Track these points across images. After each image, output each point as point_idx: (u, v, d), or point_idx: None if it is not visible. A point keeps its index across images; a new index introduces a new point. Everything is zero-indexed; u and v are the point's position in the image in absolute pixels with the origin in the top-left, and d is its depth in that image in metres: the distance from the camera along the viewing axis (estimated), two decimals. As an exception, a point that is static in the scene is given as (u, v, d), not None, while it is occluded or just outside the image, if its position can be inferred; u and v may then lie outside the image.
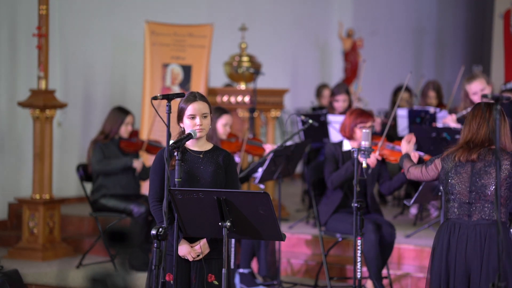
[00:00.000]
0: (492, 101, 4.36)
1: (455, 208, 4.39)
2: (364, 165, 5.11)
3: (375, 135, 6.27)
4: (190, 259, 4.35)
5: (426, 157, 6.10)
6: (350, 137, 6.22)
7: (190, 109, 4.38)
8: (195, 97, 4.41)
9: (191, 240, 4.37)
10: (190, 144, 4.46)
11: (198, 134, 4.39)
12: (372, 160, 5.85)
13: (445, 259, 4.39)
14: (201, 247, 4.34)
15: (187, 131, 4.39)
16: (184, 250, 4.34)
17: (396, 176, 6.11)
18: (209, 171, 4.39)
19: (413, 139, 5.26)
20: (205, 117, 4.40)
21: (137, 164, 7.23)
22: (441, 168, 4.47)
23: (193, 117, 4.38)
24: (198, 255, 4.35)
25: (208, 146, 4.50)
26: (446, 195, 4.45)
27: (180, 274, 4.35)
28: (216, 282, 4.31)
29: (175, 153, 4.28)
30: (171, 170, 4.32)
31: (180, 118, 4.43)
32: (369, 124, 6.14)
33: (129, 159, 7.21)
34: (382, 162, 6.22)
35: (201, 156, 4.44)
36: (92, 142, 7.28)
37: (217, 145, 4.62)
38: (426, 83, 8.81)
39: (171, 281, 4.34)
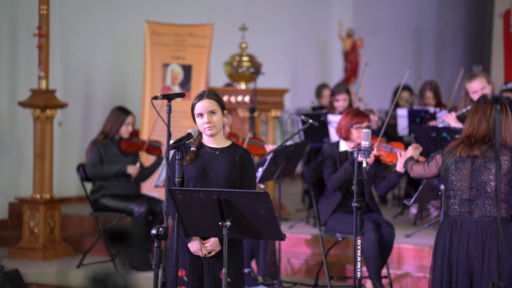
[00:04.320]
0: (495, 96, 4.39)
1: (455, 205, 4.40)
2: (364, 164, 5.11)
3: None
4: (201, 255, 4.37)
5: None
6: (346, 137, 6.23)
7: (197, 107, 4.39)
8: (202, 96, 4.41)
9: (204, 237, 4.38)
10: (206, 141, 4.45)
11: (208, 132, 4.38)
12: (371, 157, 5.85)
13: (448, 256, 4.39)
14: (212, 245, 4.36)
15: (196, 130, 4.42)
16: (195, 246, 4.36)
17: (389, 177, 6.11)
18: (223, 169, 4.38)
19: (420, 148, 5.35)
20: (213, 113, 4.37)
21: (131, 170, 7.18)
22: (441, 163, 4.47)
23: (201, 115, 4.39)
24: (209, 252, 4.37)
25: (226, 143, 4.48)
26: (446, 191, 4.46)
27: (193, 270, 4.38)
28: (228, 279, 4.32)
29: (192, 148, 4.35)
30: (186, 165, 4.36)
31: (193, 117, 4.45)
32: (365, 124, 6.15)
33: (123, 165, 7.17)
34: (378, 162, 6.22)
35: (217, 153, 4.43)
36: (91, 142, 7.29)
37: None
38: (423, 83, 8.82)
39: (184, 277, 4.36)
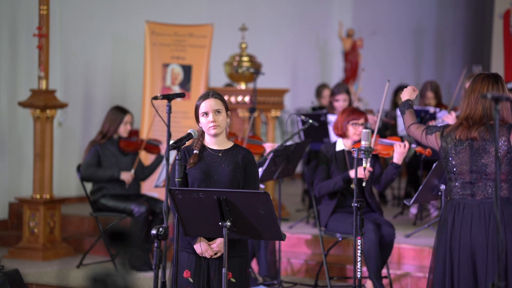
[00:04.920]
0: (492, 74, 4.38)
1: (457, 188, 4.35)
2: (364, 164, 5.10)
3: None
4: (208, 256, 4.37)
5: (419, 148, 6.15)
6: (343, 134, 6.26)
7: (202, 106, 4.41)
8: (208, 95, 4.44)
9: (210, 237, 4.38)
10: (209, 142, 4.46)
11: (213, 131, 4.39)
12: (365, 173, 5.75)
13: (449, 241, 4.33)
14: (218, 246, 4.36)
15: (197, 131, 4.42)
16: (200, 248, 4.36)
17: (386, 170, 6.11)
18: (227, 171, 4.39)
19: (416, 91, 4.91)
20: (218, 112, 4.40)
21: (125, 177, 7.15)
22: (440, 146, 4.41)
23: (206, 114, 4.40)
24: (215, 253, 4.38)
25: (228, 144, 4.49)
26: (447, 174, 4.40)
27: (198, 271, 4.38)
28: (233, 280, 4.33)
29: (195, 151, 4.35)
30: (190, 168, 4.37)
31: (197, 118, 4.45)
32: (361, 121, 6.19)
33: (117, 171, 7.14)
34: (375, 158, 6.22)
35: (220, 154, 4.44)
36: (89, 143, 7.28)
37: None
38: (424, 83, 8.83)
39: (189, 278, 4.36)
